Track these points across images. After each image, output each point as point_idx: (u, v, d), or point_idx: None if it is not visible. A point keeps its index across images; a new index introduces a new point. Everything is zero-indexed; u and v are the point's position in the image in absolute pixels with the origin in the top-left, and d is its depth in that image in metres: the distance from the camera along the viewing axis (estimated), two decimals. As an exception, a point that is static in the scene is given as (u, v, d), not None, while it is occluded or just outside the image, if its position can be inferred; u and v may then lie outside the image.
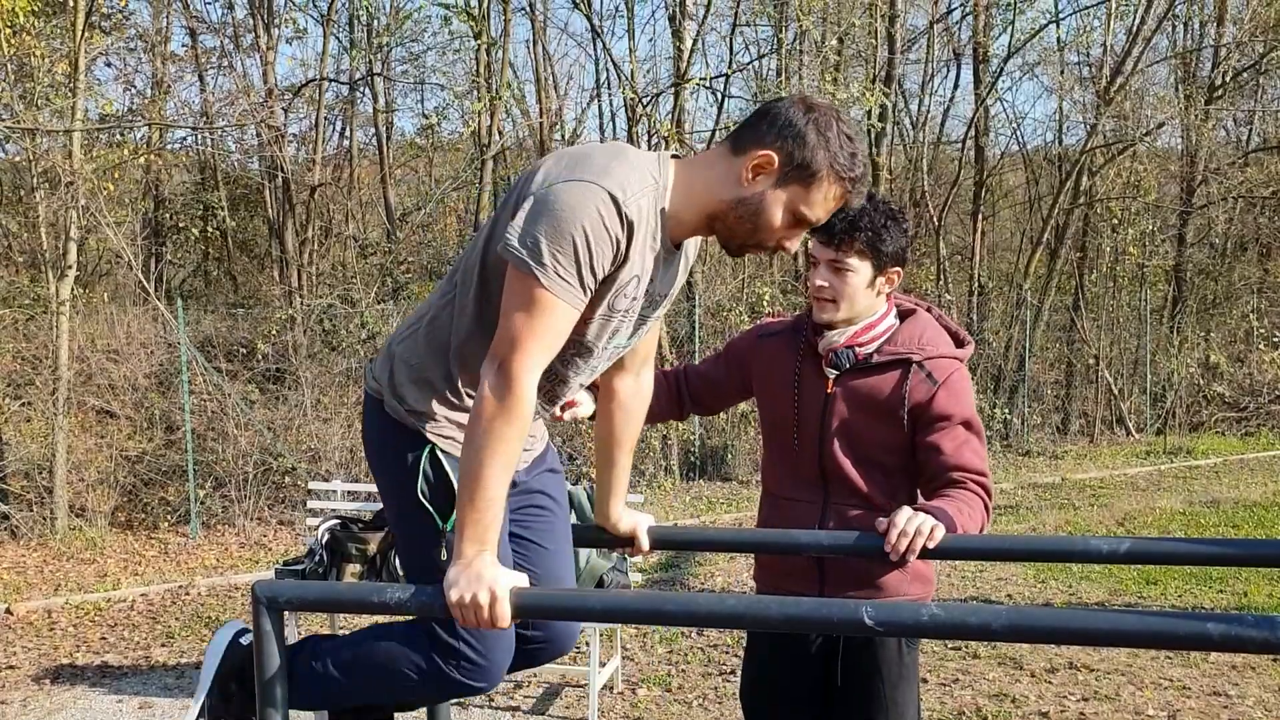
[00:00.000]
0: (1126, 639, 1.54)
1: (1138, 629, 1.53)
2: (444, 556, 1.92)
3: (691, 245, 2.07)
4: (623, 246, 1.82)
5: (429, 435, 1.95)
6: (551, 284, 1.77)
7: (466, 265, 1.95)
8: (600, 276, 1.82)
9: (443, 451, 1.96)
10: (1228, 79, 16.60)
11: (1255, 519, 9.14)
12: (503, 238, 1.80)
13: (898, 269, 2.42)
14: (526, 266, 1.77)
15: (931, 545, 2.09)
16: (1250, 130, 18.93)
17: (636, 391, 2.27)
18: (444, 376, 1.96)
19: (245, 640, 2.10)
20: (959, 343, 2.47)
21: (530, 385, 1.80)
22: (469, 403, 1.93)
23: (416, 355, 1.99)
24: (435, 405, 1.96)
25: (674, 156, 1.95)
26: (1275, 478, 11.37)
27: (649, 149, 12.60)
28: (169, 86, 15.97)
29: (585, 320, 1.89)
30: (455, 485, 1.87)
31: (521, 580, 1.80)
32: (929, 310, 2.53)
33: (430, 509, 1.94)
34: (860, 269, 2.38)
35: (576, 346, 1.94)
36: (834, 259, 2.38)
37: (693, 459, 11.99)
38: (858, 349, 2.43)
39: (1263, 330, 16.61)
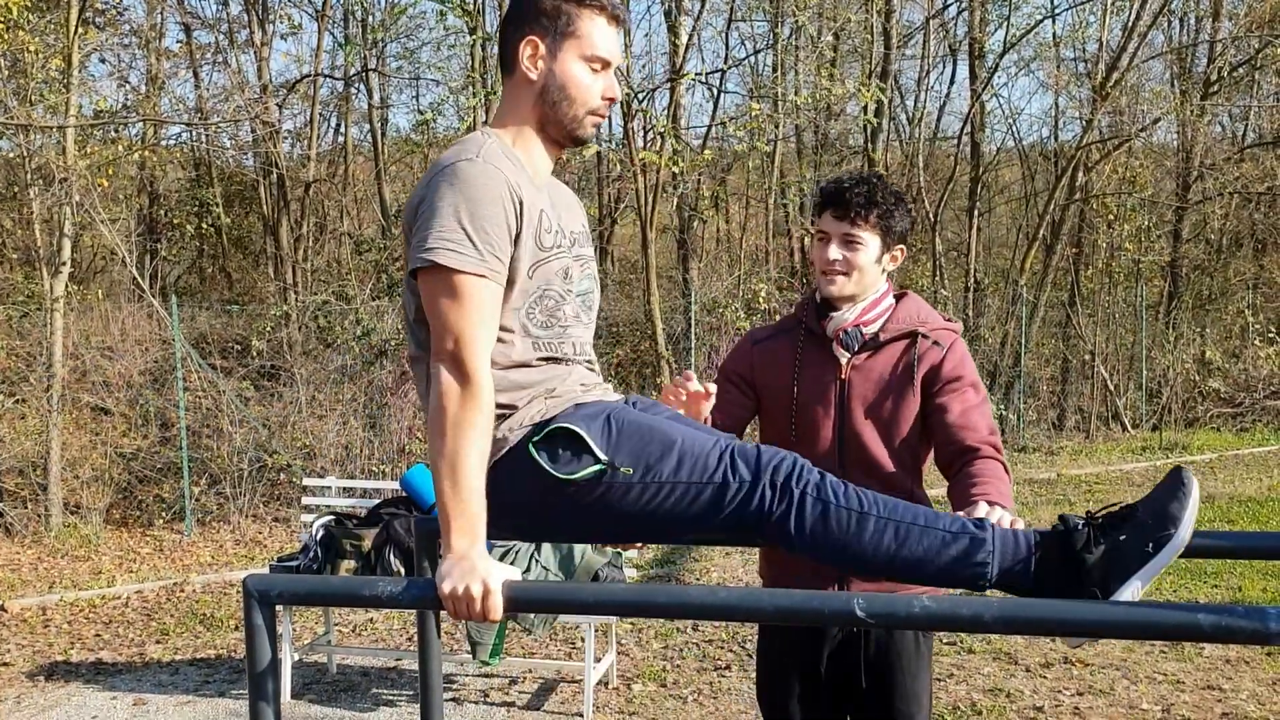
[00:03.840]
0: (1118, 630, 1.54)
1: (1129, 620, 1.52)
2: (627, 470, 1.83)
3: (561, 185, 2.14)
4: (507, 193, 1.86)
5: (519, 439, 1.89)
6: (455, 262, 1.80)
7: (414, 327, 1.97)
8: (501, 234, 1.85)
9: (534, 429, 1.89)
10: (1223, 74, 16.61)
11: (1250, 514, 9.15)
12: (410, 261, 1.87)
13: (901, 248, 2.49)
14: (428, 261, 1.81)
15: None
16: (1246, 126, 18.97)
17: None
18: None
19: None
20: (948, 321, 2.57)
21: (484, 369, 1.82)
22: (514, 399, 1.92)
23: None
24: (501, 426, 1.91)
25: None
26: (1270, 473, 11.39)
27: (645, 144, 12.49)
28: (163, 83, 15.94)
29: (529, 269, 1.91)
30: (573, 429, 1.84)
31: (514, 574, 1.79)
32: (918, 295, 2.60)
33: (589, 469, 1.83)
34: (870, 244, 2.43)
35: (541, 299, 1.95)
36: (848, 233, 2.42)
37: (689, 455, 11.95)
38: (864, 328, 2.46)
39: (1258, 326, 16.63)
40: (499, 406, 1.91)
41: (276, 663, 1.77)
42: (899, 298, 2.53)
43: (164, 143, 15.86)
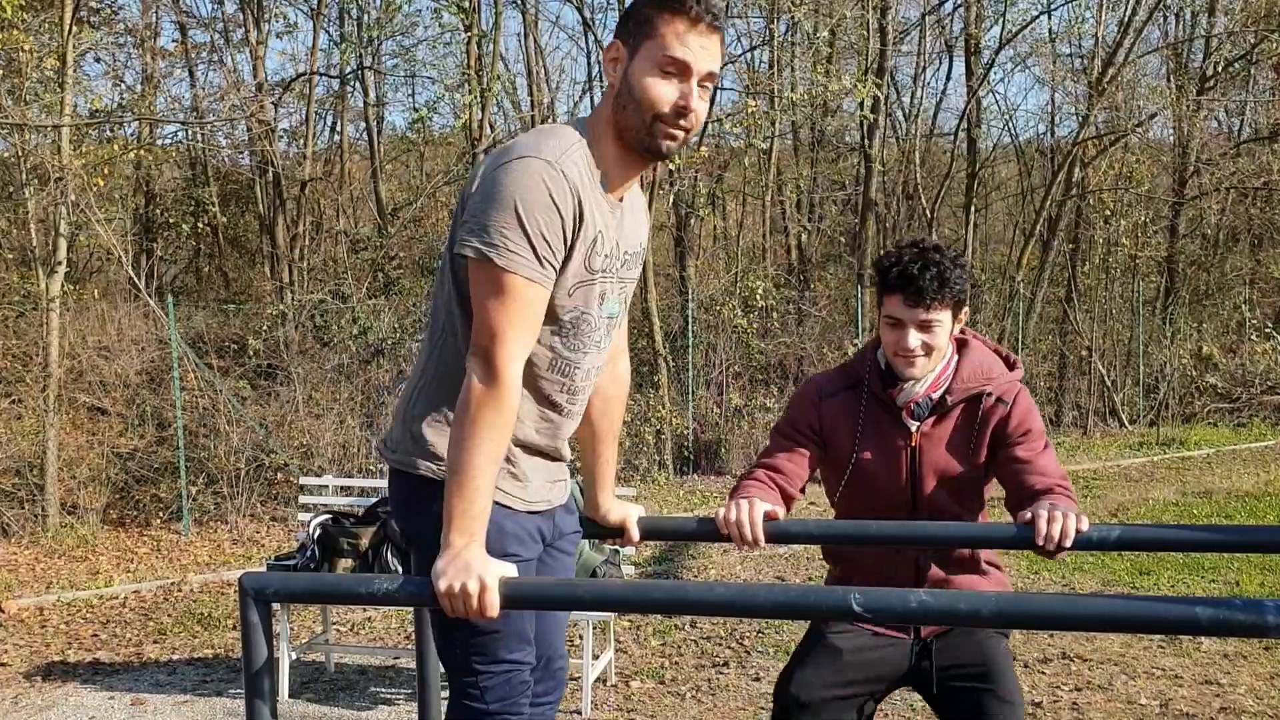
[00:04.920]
0: (1115, 624, 1.54)
1: (1127, 614, 1.52)
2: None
3: (639, 197, 2.11)
4: (572, 206, 1.84)
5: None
6: (508, 263, 1.79)
7: (445, 301, 1.97)
8: (558, 243, 1.84)
9: None
10: (1219, 69, 16.62)
11: (1247, 509, 9.16)
12: (458, 240, 1.85)
13: (966, 308, 2.48)
14: (480, 253, 1.80)
15: (1068, 544, 2.05)
16: (1242, 121, 18.98)
17: (613, 381, 2.29)
18: None
19: None
20: (1010, 365, 2.52)
21: (515, 373, 1.82)
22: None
23: (435, 407, 1.97)
24: None
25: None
26: (1267, 468, 11.40)
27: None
28: (159, 82, 15.91)
29: (570, 288, 1.91)
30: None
31: (510, 570, 1.79)
32: (975, 338, 2.56)
33: None
34: (945, 320, 2.41)
35: (575, 321, 1.95)
36: (924, 319, 2.37)
37: (686, 453, 11.98)
38: (933, 394, 2.45)
39: (1255, 321, 16.64)
40: None
41: (272, 661, 1.77)
42: (961, 346, 2.50)
43: (160, 142, 15.83)
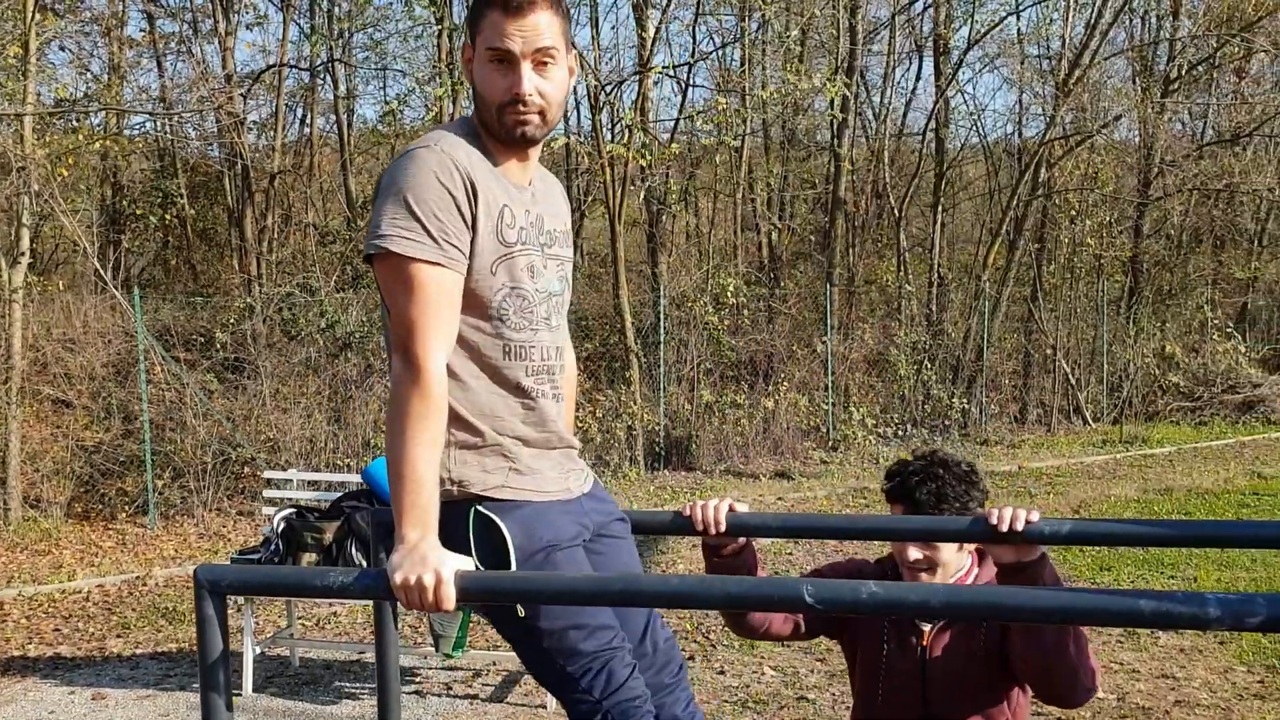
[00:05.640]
0: (1061, 615, 1.57)
1: (1071, 606, 1.55)
2: (521, 613, 1.91)
3: (552, 179, 2.13)
4: (462, 182, 1.85)
5: (473, 493, 1.92)
6: (405, 249, 1.81)
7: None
8: (455, 221, 1.85)
9: (488, 503, 1.92)
10: (1183, 73, 16.83)
11: (1207, 506, 9.30)
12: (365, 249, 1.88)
13: None
14: (378, 248, 1.82)
15: (1020, 526, 2.08)
16: (1204, 124, 19.23)
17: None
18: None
19: None
20: None
21: (435, 359, 1.82)
22: (482, 425, 1.94)
23: None
24: (463, 456, 1.93)
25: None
26: (1226, 466, 11.58)
27: (613, 137, 12.46)
28: (126, 72, 15.73)
29: (491, 265, 1.91)
30: (506, 537, 1.89)
31: (466, 564, 1.79)
32: None
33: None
34: None
35: (509, 299, 1.94)
36: None
37: (657, 449, 12.01)
38: None
39: (1216, 321, 16.89)
40: (464, 426, 1.92)
41: (228, 654, 1.77)
42: (980, 557, 2.48)
43: (127, 133, 15.65)
